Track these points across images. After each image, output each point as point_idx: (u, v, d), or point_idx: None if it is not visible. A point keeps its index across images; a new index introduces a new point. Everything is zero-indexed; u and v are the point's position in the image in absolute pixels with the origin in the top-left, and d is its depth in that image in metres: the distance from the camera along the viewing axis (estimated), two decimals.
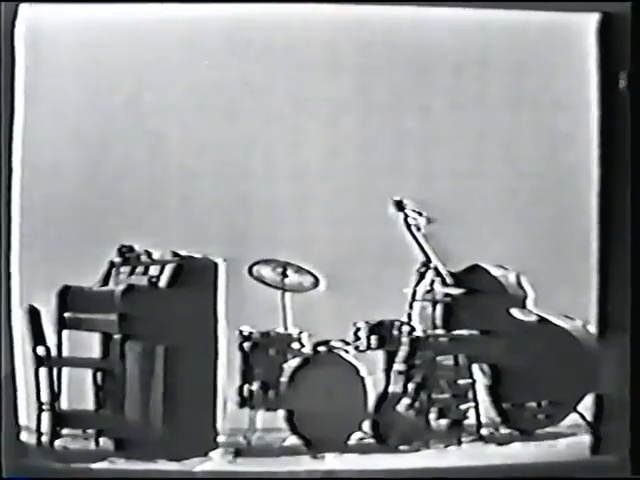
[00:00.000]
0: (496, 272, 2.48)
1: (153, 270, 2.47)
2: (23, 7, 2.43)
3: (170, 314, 2.46)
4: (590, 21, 2.47)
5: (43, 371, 2.43)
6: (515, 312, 2.49)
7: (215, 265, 2.46)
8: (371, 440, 2.49)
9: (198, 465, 2.44)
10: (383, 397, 2.49)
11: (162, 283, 2.46)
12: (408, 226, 2.47)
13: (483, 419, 2.49)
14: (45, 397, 2.44)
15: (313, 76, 2.45)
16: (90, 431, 2.45)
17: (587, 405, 2.48)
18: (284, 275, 2.47)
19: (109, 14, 2.43)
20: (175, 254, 2.46)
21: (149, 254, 2.47)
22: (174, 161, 2.44)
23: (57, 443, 2.44)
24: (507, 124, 2.47)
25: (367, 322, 2.48)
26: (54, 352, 2.43)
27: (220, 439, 2.47)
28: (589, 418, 2.48)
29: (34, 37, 2.42)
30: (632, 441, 2.46)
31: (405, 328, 2.49)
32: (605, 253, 2.48)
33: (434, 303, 2.50)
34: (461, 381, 2.50)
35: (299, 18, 2.43)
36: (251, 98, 2.44)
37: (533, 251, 2.47)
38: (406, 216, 2.46)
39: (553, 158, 2.48)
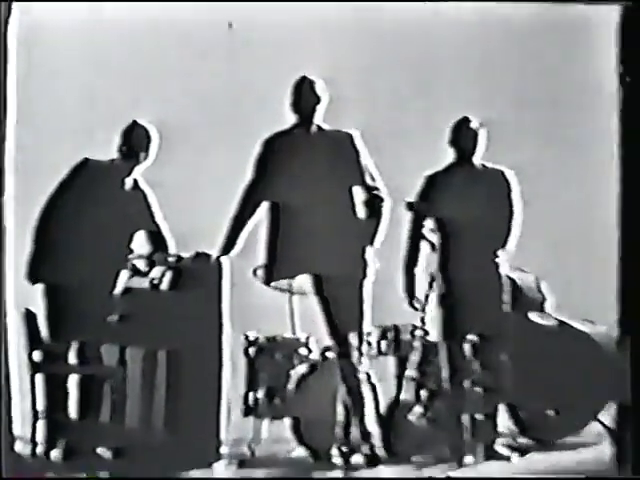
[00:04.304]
0: (515, 276, 2.46)
1: (155, 272, 2.45)
2: (16, 5, 2.43)
3: (172, 318, 2.44)
4: (610, 14, 2.48)
5: (39, 377, 2.41)
6: (534, 316, 2.46)
7: (220, 267, 2.44)
8: (382, 450, 2.47)
9: (200, 477, 2.42)
10: (394, 405, 2.47)
11: (164, 286, 2.45)
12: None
13: (501, 429, 2.47)
14: (41, 405, 2.41)
15: (313, 76, 2.47)
16: (87, 441, 2.42)
17: (610, 413, 2.47)
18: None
19: (104, 12, 2.43)
20: (178, 256, 2.44)
21: (151, 256, 2.45)
22: (175, 160, 2.43)
23: (53, 453, 2.41)
24: (522, 123, 2.46)
25: (378, 326, 2.46)
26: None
27: (223, 450, 2.44)
28: (612, 427, 2.46)
29: (27, 35, 2.42)
30: (632, 440, 2.47)
31: (418, 332, 2.47)
32: (627, 257, 2.47)
33: None
34: None
35: (299, 18, 2.44)
36: (251, 98, 2.43)
37: (553, 255, 2.45)
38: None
39: (572, 158, 2.47)
